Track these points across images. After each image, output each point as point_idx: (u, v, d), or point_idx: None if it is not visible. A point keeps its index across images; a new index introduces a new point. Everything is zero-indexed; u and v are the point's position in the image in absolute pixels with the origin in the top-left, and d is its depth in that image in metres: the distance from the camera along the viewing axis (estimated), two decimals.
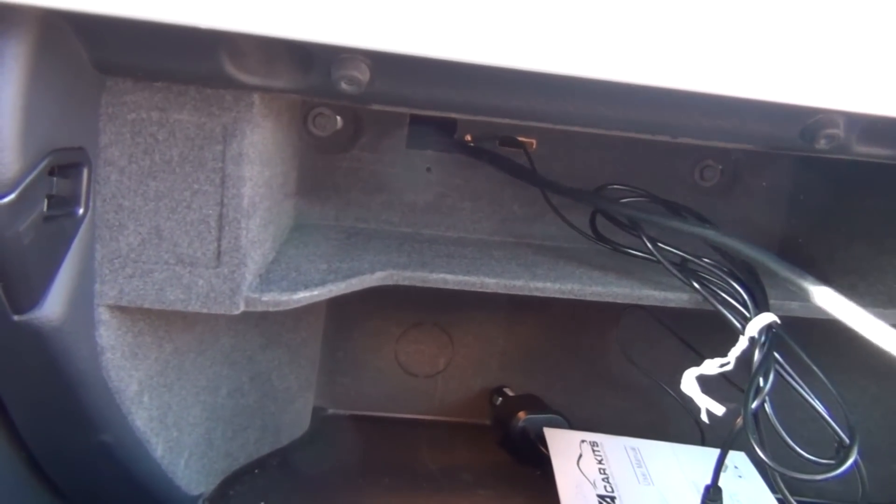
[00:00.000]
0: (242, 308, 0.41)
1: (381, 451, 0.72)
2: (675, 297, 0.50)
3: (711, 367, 0.47)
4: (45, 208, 0.34)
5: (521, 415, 0.70)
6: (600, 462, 0.62)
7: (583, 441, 0.65)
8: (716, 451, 0.49)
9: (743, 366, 0.47)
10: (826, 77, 0.33)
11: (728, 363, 0.47)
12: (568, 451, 0.64)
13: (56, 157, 0.34)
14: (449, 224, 0.63)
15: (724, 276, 0.50)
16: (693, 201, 0.60)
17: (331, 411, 0.78)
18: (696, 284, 0.50)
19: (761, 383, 0.45)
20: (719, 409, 0.46)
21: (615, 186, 0.57)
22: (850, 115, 0.37)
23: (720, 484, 0.50)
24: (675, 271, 0.51)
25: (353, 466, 0.68)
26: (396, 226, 0.62)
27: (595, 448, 0.64)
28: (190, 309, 0.40)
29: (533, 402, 0.73)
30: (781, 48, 0.32)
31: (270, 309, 0.41)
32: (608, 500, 0.57)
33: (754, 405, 0.45)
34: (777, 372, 0.46)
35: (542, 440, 0.65)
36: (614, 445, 0.65)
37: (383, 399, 0.77)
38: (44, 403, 0.40)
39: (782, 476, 0.45)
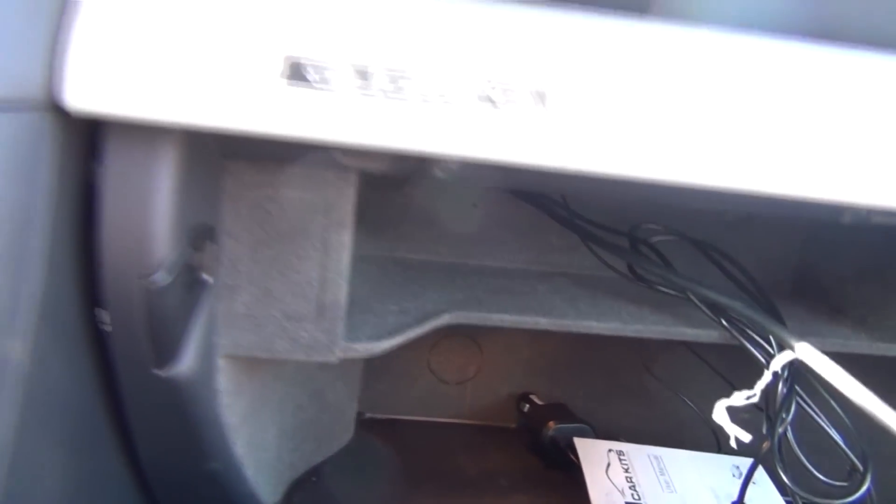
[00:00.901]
0: (339, 356, 0.46)
1: (420, 454, 0.78)
2: (705, 333, 0.57)
3: (739, 398, 0.53)
4: (184, 278, 0.40)
5: (552, 424, 0.76)
6: (626, 470, 0.69)
7: (610, 450, 0.72)
8: (731, 459, 0.55)
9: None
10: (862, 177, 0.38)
11: (754, 395, 0.53)
12: (597, 459, 0.71)
13: (193, 234, 0.40)
14: (493, 255, 0.68)
15: (751, 315, 0.56)
16: (716, 234, 0.66)
17: (368, 415, 0.84)
18: (724, 322, 0.56)
19: (784, 414, 0.52)
20: (746, 437, 0.52)
21: (648, 226, 0.63)
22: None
23: (743, 498, 0.57)
24: (706, 310, 0.57)
25: (398, 470, 0.74)
26: (444, 257, 0.68)
27: (622, 457, 0.71)
28: (294, 357, 0.45)
29: (561, 412, 0.79)
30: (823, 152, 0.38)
31: (361, 356, 0.47)
32: None
33: (779, 432, 0.51)
34: (798, 404, 0.52)
35: (572, 448, 0.72)
36: (638, 454, 0.71)
37: (416, 404, 0.83)
38: (166, 438, 0.46)
39: (804, 500, 0.52)
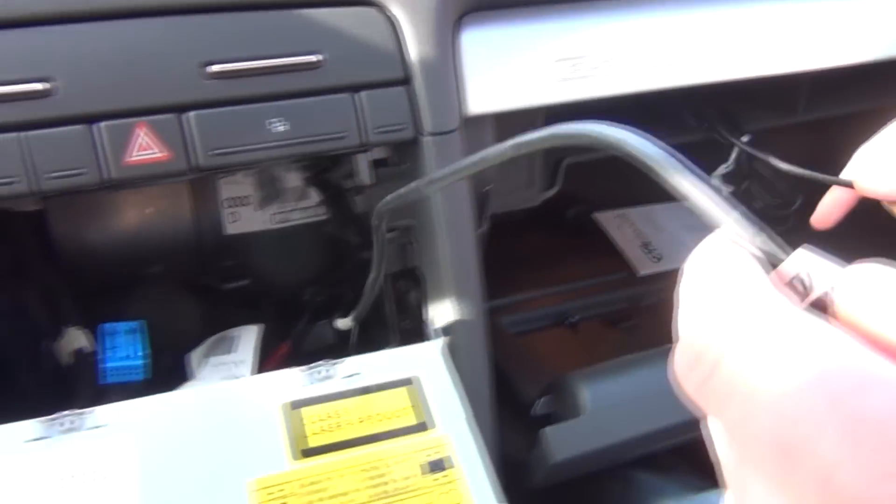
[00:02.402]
0: None
1: None
2: None
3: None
4: None
5: None
6: (631, 225, 1.04)
7: (616, 216, 1.06)
8: None
9: None
10: None
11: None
12: (612, 223, 1.04)
13: None
14: None
15: None
16: None
17: None
18: None
19: None
20: None
21: None
22: None
23: None
24: None
25: None
26: None
27: (625, 218, 1.05)
28: None
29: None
30: None
31: None
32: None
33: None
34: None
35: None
36: (635, 214, 1.06)
37: None
38: None
39: None
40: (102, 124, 0.44)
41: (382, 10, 0.51)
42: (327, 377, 0.43)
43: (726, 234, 0.23)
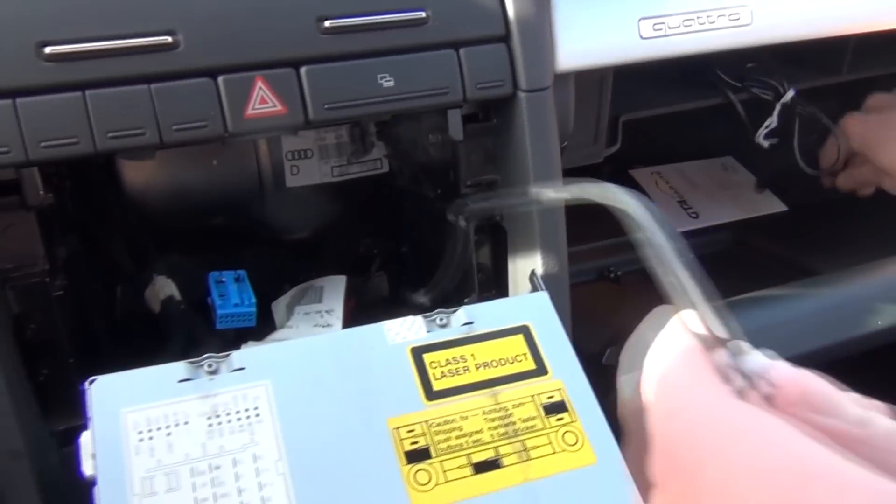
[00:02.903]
0: None
1: None
2: None
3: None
4: None
5: None
6: (667, 182, 1.06)
7: (651, 173, 1.07)
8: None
9: None
10: None
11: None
12: (646, 180, 1.06)
13: None
14: None
15: None
16: None
17: None
18: None
19: None
20: None
21: None
22: None
23: None
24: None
25: None
26: None
27: (660, 175, 1.07)
28: None
29: None
30: None
31: None
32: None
33: None
34: None
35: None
36: (668, 171, 1.08)
37: None
38: None
39: None
40: (223, 77, 0.45)
41: None
42: (445, 325, 0.45)
43: (686, 326, 0.27)
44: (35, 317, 0.51)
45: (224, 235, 0.76)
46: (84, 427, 0.40)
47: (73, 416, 0.51)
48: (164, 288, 0.59)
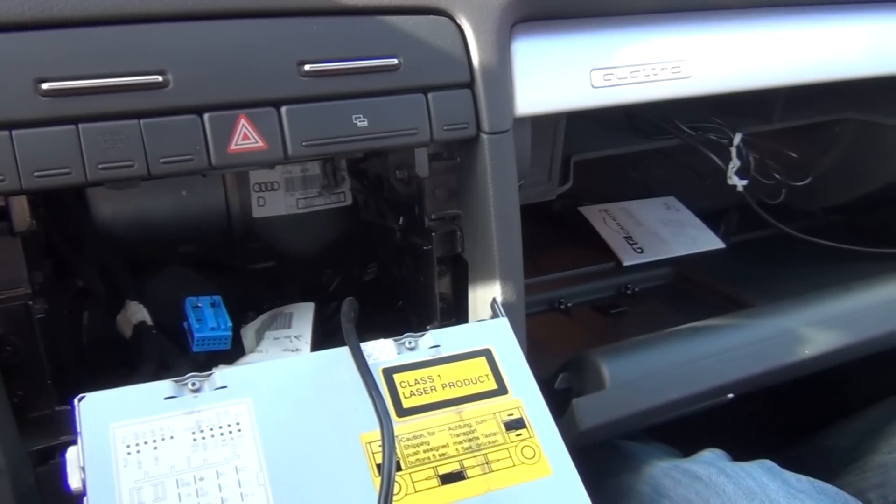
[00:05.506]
0: None
1: None
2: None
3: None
4: None
5: None
6: (614, 219, 1.12)
7: (599, 210, 1.13)
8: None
9: None
10: None
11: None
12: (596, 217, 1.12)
13: None
14: None
15: None
16: None
17: None
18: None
19: None
20: None
21: None
22: None
23: None
24: None
25: None
26: None
27: (608, 212, 1.13)
28: None
29: None
30: None
31: None
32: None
33: None
34: None
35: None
36: (616, 209, 1.14)
37: None
38: None
39: None
40: (209, 115, 0.48)
41: (452, 18, 0.56)
42: (414, 348, 0.49)
43: None
44: (11, 339, 0.53)
45: (191, 263, 0.78)
46: (65, 445, 0.42)
47: (48, 436, 0.52)
48: (137, 313, 0.61)
